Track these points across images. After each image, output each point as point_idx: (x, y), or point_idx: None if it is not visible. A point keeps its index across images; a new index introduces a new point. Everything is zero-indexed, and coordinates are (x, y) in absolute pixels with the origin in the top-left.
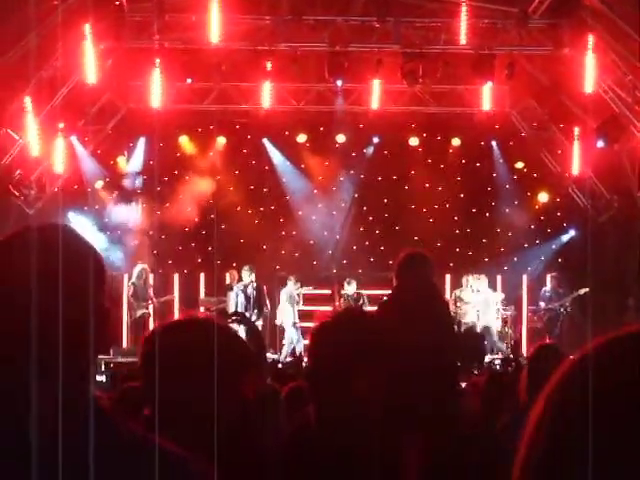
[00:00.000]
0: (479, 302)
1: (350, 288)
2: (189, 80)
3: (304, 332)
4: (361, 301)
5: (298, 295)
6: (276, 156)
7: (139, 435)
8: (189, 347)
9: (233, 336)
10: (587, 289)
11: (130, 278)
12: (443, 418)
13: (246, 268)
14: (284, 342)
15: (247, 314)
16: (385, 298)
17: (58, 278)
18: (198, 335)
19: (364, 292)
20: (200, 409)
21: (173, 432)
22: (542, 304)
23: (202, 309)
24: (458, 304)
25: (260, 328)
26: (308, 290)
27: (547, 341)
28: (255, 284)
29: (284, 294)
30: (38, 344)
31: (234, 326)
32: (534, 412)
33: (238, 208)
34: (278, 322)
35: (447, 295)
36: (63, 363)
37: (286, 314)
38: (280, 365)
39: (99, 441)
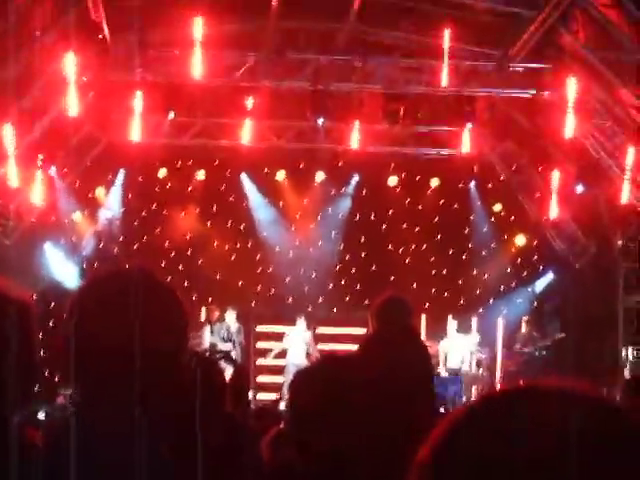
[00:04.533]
0: (447, 346)
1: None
2: (172, 114)
3: None
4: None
5: (310, 336)
6: (254, 192)
7: None
8: None
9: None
10: (563, 334)
11: None
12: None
13: (230, 308)
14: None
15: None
16: (362, 343)
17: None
18: None
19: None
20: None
21: None
22: (517, 347)
23: None
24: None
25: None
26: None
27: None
28: (238, 325)
29: (295, 334)
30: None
31: (223, 365)
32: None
33: (215, 244)
34: (286, 362)
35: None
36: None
37: (297, 355)
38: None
39: None
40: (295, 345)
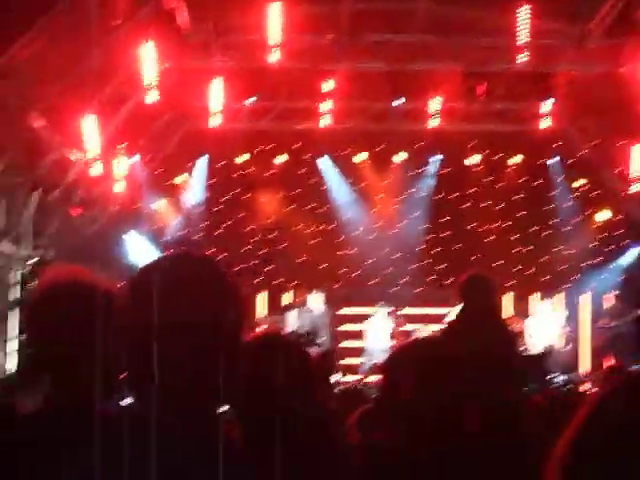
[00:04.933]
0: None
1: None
2: (252, 99)
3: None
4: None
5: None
6: (335, 175)
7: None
8: None
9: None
10: None
11: None
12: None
13: (315, 291)
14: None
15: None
16: (448, 320)
17: (198, 306)
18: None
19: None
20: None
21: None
22: (604, 322)
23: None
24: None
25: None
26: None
27: (612, 362)
28: (324, 308)
29: (378, 317)
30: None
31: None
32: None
33: (297, 227)
34: (366, 345)
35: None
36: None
37: (379, 338)
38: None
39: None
40: (377, 328)
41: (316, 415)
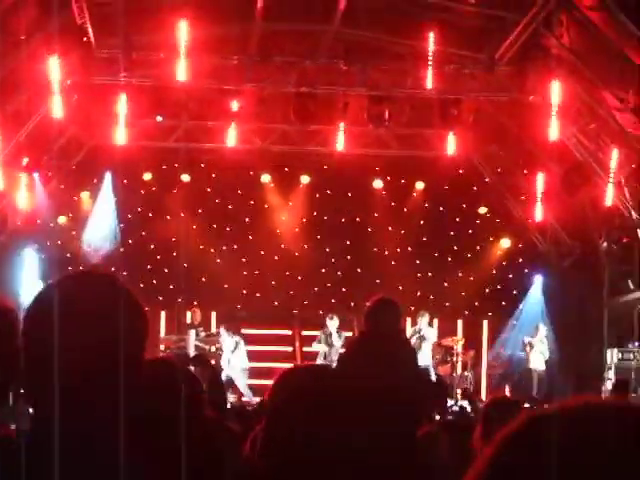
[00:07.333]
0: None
1: (332, 324)
2: (159, 118)
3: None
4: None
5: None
6: (239, 195)
7: None
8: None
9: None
10: (545, 333)
11: None
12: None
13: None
14: None
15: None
16: (351, 343)
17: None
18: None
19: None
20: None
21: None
22: (502, 350)
23: (162, 347)
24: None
25: None
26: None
27: (505, 392)
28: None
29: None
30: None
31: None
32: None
33: (201, 247)
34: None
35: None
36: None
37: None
38: None
39: None
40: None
41: (202, 430)
